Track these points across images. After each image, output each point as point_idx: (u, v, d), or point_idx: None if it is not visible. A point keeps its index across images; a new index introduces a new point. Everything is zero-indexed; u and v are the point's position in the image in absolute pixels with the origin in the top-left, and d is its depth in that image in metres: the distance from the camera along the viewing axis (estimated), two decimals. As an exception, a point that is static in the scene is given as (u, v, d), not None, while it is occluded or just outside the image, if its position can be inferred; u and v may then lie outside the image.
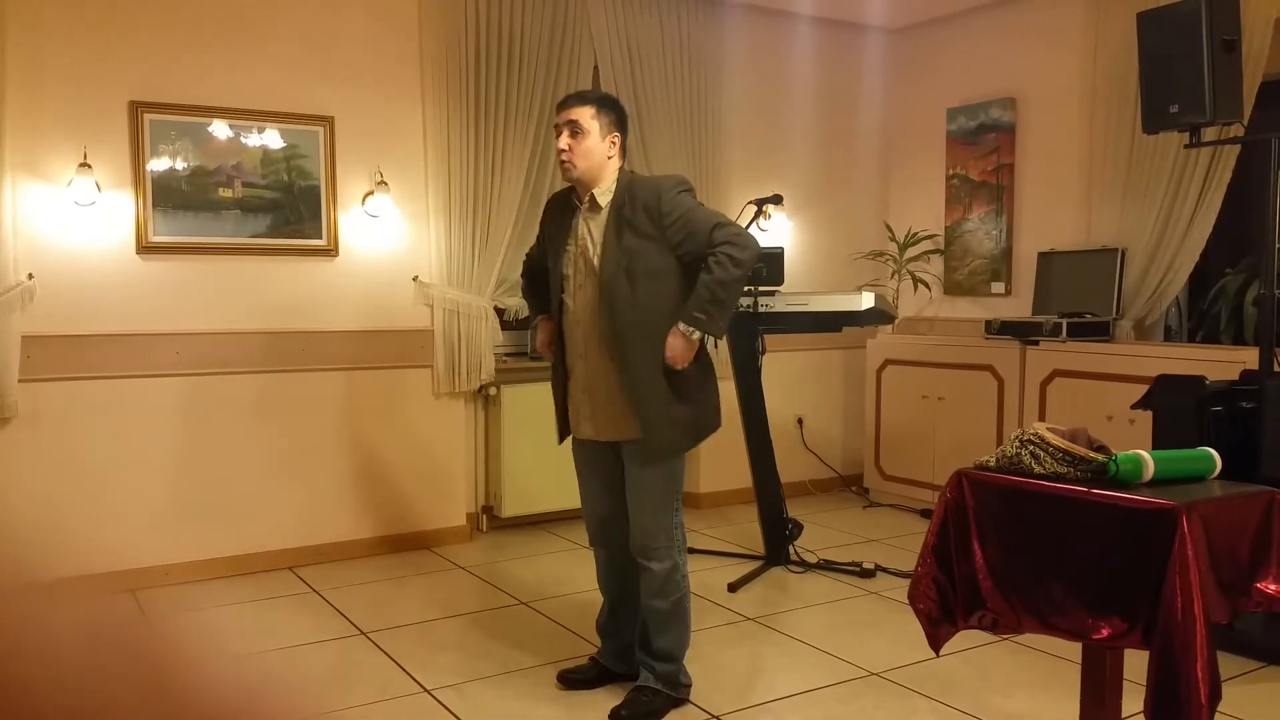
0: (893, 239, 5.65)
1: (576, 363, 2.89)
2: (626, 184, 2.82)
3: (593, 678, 3.06)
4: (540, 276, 3.07)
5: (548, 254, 2.98)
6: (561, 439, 3.06)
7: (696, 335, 2.72)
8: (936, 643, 2.29)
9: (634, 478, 2.86)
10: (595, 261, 2.79)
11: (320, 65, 4.33)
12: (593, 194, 2.83)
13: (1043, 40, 5.19)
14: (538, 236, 3.13)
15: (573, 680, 3.06)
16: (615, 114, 2.86)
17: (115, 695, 0.36)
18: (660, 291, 2.75)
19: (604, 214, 2.81)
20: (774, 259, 4.46)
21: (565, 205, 2.94)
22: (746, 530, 4.70)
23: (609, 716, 2.84)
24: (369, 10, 4.42)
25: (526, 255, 3.27)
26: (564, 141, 2.79)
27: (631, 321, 2.73)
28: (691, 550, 3.21)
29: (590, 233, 2.83)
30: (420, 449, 4.63)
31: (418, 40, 4.52)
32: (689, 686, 2.96)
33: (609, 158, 2.83)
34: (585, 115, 2.79)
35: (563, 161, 2.82)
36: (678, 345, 2.72)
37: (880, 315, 4.15)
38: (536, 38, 4.70)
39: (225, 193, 4.18)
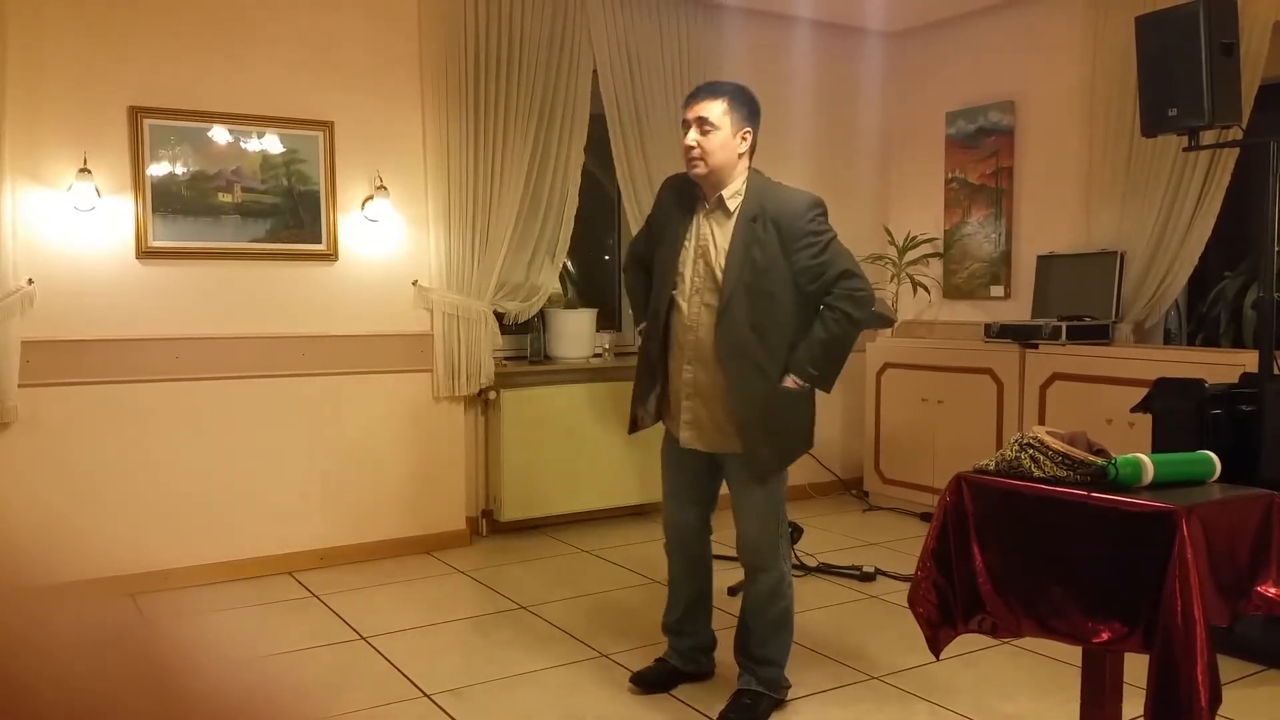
0: (892, 242, 5.65)
1: (684, 368, 2.79)
2: (758, 190, 2.71)
3: (664, 678, 3.05)
4: (643, 267, 2.97)
5: (659, 243, 2.85)
6: (632, 430, 2.99)
7: (803, 386, 2.71)
8: (936, 646, 2.29)
9: (742, 492, 2.83)
10: (718, 269, 2.69)
11: (320, 70, 4.33)
12: (720, 195, 2.72)
13: (1041, 43, 5.20)
14: (648, 220, 2.99)
15: (646, 681, 3.03)
16: (748, 107, 2.72)
17: (117, 696, 0.37)
18: (777, 316, 2.68)
19: (733, 221, 2.70)
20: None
21: (687, 195, 2.81)
22: (746, 534, 4.70)
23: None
24: (368, 15, 4.43)
25: (632, 246, 3.10)
26: (692, 137, 2.66)
27: (746, 343, 2.67)
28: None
29: (714, 236, 2.73)
30: (420, 453, 4.63)
31: (417, 45, 4.52)
32: (789, 688, 2.96)
33: (740, 155, 2.70)
34: (716, 111, 2.66)
35: (691, 159, 2.68)
36: (790, 394, 2.71)
37: (879, 319, 4.16)
38: (536, 42, 4.71)
39: (225, 198, 4.18)
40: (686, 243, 2.77)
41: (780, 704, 2.93)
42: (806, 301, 2.70)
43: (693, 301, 2.76)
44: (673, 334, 2.81)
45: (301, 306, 4.35)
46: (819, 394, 2.80)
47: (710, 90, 2.72)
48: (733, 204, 2.71)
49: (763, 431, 2.71)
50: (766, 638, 2.89)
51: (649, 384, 2.90)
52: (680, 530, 2.98)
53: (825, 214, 2.72)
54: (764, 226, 2.65)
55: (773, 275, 2.65)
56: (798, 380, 2.69)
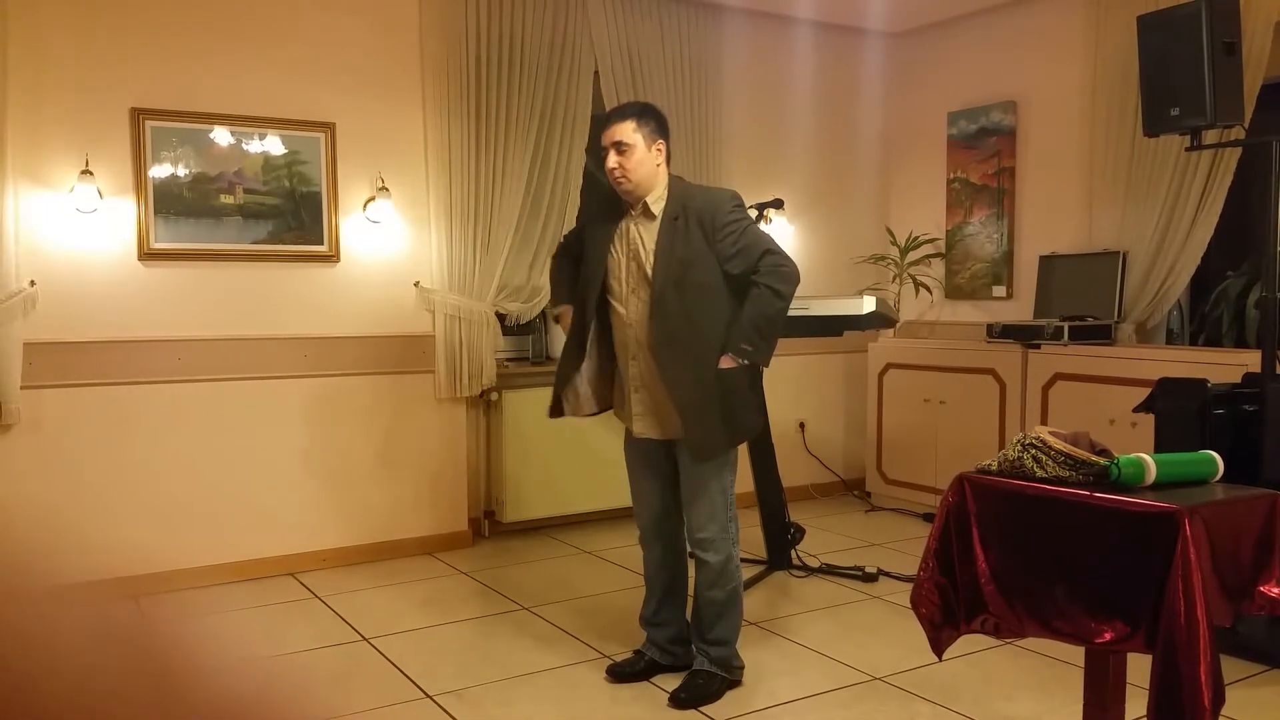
0: (894, 243, 5.65)
1: (629, 364, 2.98)
2: (680, 193, 2.91)
3: (641, 670, 3.14)
4: (571, 260, 3.15)
5: (588, 246, 3.03)
6: (553, 414, 3.15)
7: (745, 362, 2.85)
8: (939, 647, 2.29)
9: (688, 474, 2.99)
10: (648, 269, 2.88)
11: (321, 71, 4.34)
12: (645, 201, 2.91)
13: (1043, 43, 5.20)
14: (578, 219, 3.17)
15: (623, 673, 3.13)
16: (655, 121, 2.92)
17: (120, 694, 0.37)
18: (708, 303, 2.85)
19: (657, 222, 2.89)
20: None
21: (612, 207, 3.00)
22: (748, 535, 4.68)
23: (669, 699, 2.96)
24: (370, 16, 4.43)
25: (564, 237, 3.32)
26: (612, 161, 2.87)
27: (679, 332, 2.84)
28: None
29: (642, 239, 2.92)
30: (422, 455, 4.63)
31: (418, 46, 4.53)
32: (742, 668, 3.09)
33: (657, 165, 2.91)
34: (626, 131, 2.86)
35: (615, 179, 2.89)
36: (728, 376, 2.85)
37: (881, 319, 4.15)
38: (537, 43, 4.71)
39: (227, 199, 4.18)
40: (615, 247, 2.96)
41: (735, 684, 3.05)
42: (737, 286, 2.87)
43: (629, 302, 2.94)
44: (615, 334, 3.00)
45: (303, 308, 4.35)
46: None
47: (619, 114, 2.93)
48: (656, 208, 2.91)
49: (701, 415, 2.86)
50: (715, 619, 3.03)
51: (567, 371, 3.06)
52: (649, 520, 3.12)
53: (742, 205, 2.94)
54: (686, 223, 2.85)
55: (700, 267, 2.84)
56: (735, 358, 2.83)
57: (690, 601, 3.19)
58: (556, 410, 3.13)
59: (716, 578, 2.99)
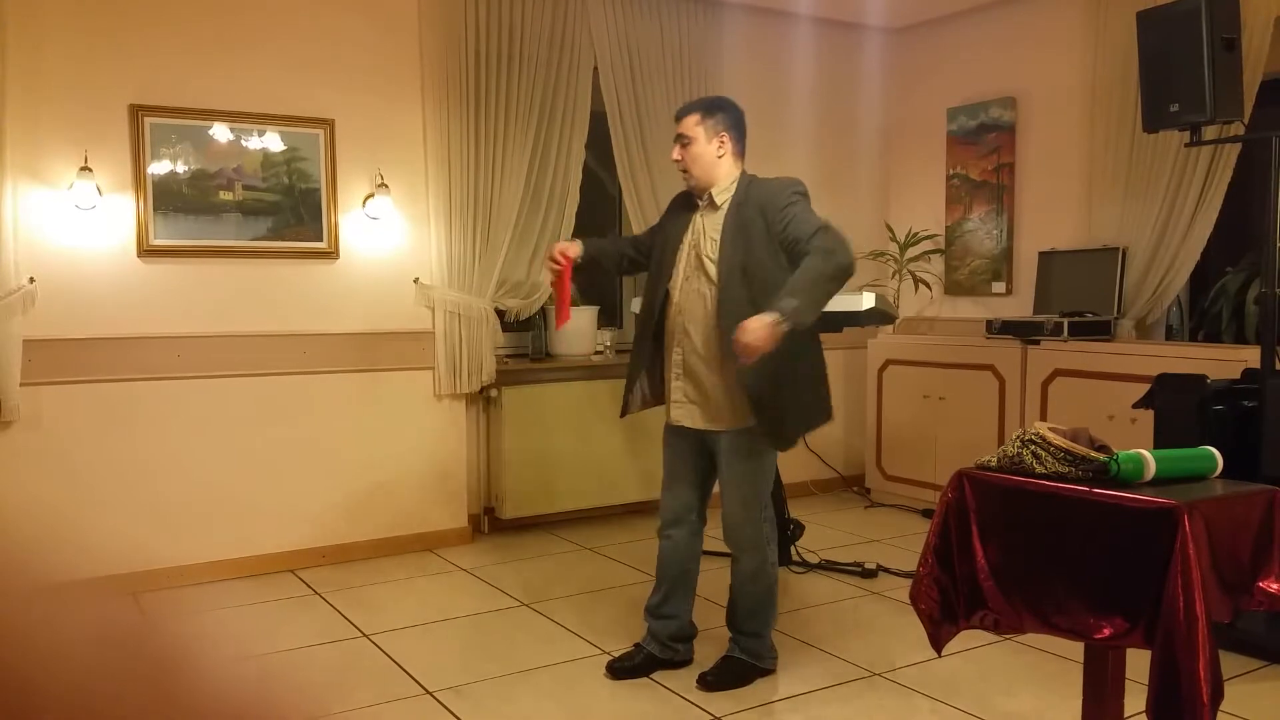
0: (893, 239, 5.65)
1: (673, 350, 3.00)
2: (746, 185, 2.94)
3: (640, 663, 3.14)
4: (629, 241, 3.29)
5: (657, 243, 3.11)
6: (623, 414, 3.20)
7: (781, 324, 2.58)
8: (938, 643, 2.29)
9: (727, 469, 2.99)
10: (709, 258, 2.91)
11: (320, 68, 4.33)
12: (710, 193, 2.95)
13: (1043, 40, 5.19)
14: (656, 225, 3.26)
15: (621, 669, 3.13)
16: (722, 114, 2.95)
17: (119, 693, 0.37)
18: (771, 291, 2.78)
19: (722, 213, 2.92)
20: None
21: (688, 202, 3.07)
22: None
23: (696, 681, 3.01)
24: (369, 13, 4.43)
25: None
26: (676, 153, 2.95)
27: (745, 318, 2.69)
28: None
29: (705, 229, 2.95)
30: (421, 451, 4.63)
31: (417, 42, 4.52)
32: (775, 658, 3.14)
33: (719, 157, 2.93)
34: (690, 124, 2.92)
35: (680, 170, 2.99)
36: (754, 326, 2.57)
37: (881, 315, 4.14)
38: (536, 39, 4.70)
39: (226, 196, 4.18)
40: (684, 239, 3.01)
41: (768, 673, 3.09)
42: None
43: (684, 289, 2.96)
44: (667, 321, 3.02)
45: (303, 304, 4.35)
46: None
47: (686, 107, 3.00)
48: (721, 199, 2.94)
49: (775, 404, 2.85)
50: (750, 614, 3.08)
51: (636, 371, 3.12)
52: (673, 513, 3.12)
53: (803, 191, 2.91)
54: (749, 211, 2.88)
55: (762, 257, 2.84)
56: (773, 314, 2.57)
57: (695, 596, 3.21)
58: (624, 409, 3.16)
59: (751, 576, 3.04)
